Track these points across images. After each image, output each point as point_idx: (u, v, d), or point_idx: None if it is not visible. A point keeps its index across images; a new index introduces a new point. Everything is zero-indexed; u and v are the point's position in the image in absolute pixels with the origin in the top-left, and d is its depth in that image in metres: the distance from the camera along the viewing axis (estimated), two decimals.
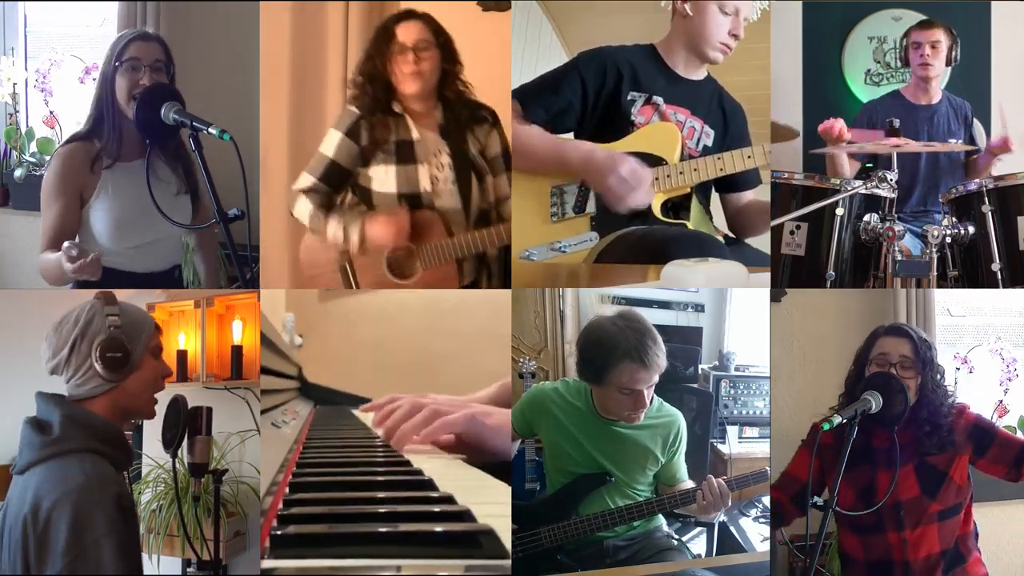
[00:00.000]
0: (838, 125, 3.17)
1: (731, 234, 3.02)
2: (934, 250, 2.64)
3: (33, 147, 3.50)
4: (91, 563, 1.54)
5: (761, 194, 2.99)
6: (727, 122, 2.95)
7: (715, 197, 3.05)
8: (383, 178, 2.56)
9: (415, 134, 2.57)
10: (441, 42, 2.55)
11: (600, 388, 2.41)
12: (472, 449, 1.95)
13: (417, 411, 2.00)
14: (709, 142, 2.92)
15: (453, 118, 2.57)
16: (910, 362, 2.27)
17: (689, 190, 2.86)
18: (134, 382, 1.78)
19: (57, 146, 3.23)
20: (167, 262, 2.65)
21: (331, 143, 2.61)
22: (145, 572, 3.19)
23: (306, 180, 2.65)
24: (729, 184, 2.96)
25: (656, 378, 2.36)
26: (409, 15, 2.57)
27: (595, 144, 2.78)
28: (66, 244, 2.22)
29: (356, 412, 3.19)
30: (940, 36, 3.30)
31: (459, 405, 2.04)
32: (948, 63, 3.34)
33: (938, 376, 2.33)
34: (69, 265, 2.21)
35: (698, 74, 2.93)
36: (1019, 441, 2.33)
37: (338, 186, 2.63)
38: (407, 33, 2.52)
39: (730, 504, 2.40)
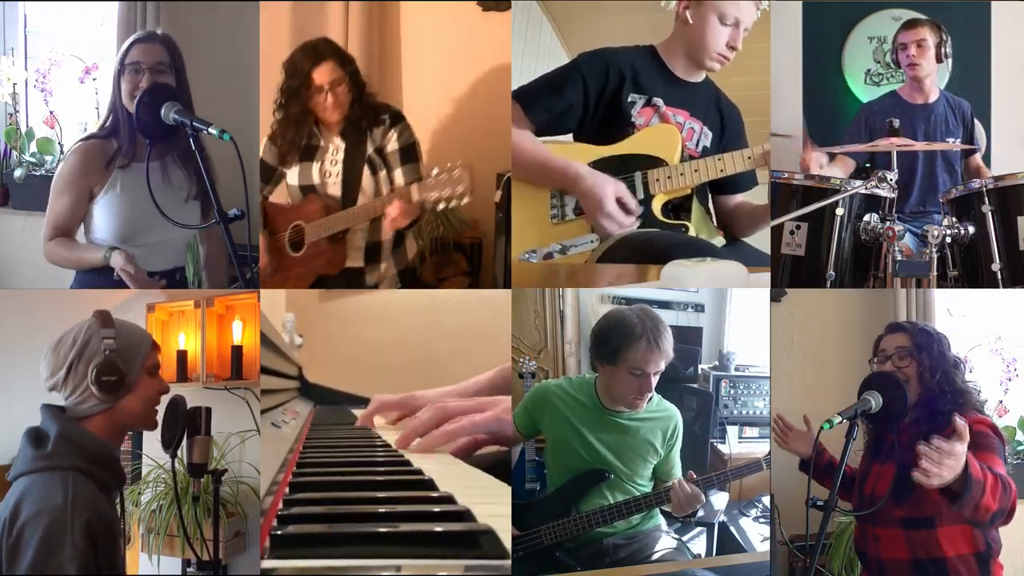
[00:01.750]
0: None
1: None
2: (934, 250, 2.64)
3: (33, 147, 3.50)
4: None
5: (752, 196, 3.01)
6: (724, 124, 2.96)
7: None
8: (292, 173, 2.99)
9: (321, 141, 2.95)
10: (349, 71, 2.86)
11: (612, 369, 2.45)
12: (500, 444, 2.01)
13: (442, 418, 2.04)
14: (708, 143, 2.92)
15: (354, 124, 2.90)
16: (905, 351, 2.24)
17: (690, 191, 2.86)
18: (130, 402, 1.80)
19: (66, 142, 3.29)
20: (171, 263, 2.66)
21: (262, 145, 3.05)
22: (145, 572, 3.20)
23: None
24: (720, 186, 2.97)
25: (663, 365, 2.44)
26: (319, 57, 2.83)
27: (584, 169, 2.78)
28: (119, 260, 2.50)
29: (356, 412, 3.19)
30: (925, 34, 3.28)
31: (485, 404, 2.07)
32: (939, 60, 3.32)
33: (945, 357, 2.22)
34: (128, 279, 2.50)
35: (697, 76, 2.93)
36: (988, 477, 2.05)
37: (264, 179, 3.04)
38: (322, 76, 2.83)
39: (702, 502, 2.46)
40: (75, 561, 1.59)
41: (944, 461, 1.81)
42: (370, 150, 2.90)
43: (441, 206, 2.62)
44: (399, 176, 2.89)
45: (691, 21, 2.83)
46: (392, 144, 2.90)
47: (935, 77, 3.37)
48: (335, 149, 2.94)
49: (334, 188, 2.92)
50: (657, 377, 2.45)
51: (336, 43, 2.95)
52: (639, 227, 2.80)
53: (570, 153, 2.85)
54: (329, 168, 2.94)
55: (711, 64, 2.86)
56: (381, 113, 2.93)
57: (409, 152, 2.92)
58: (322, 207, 2.90)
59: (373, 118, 2.91)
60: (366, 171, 2.90)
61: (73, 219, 2.57)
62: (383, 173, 2.91)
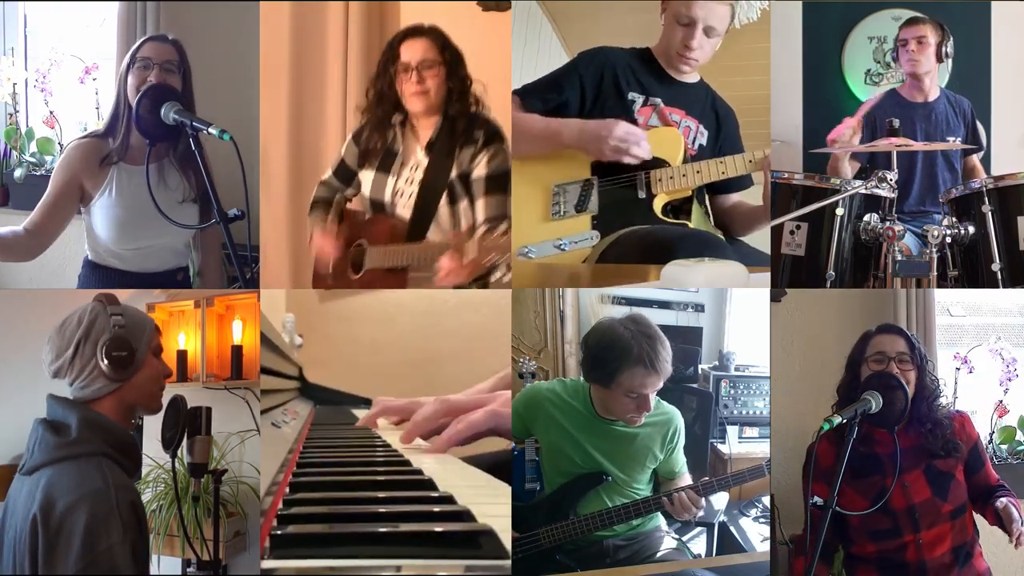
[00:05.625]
0: (846, 128, 3.18)
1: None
2: (934, 250, 2.64)
3: (33, 147, 3.50)
4: (104, 568, 1.55)
5: (748, 196, 3.01)
6: (720, 124, 2.98)
7: None
8: (366, 182, 2.64)
9: (400, 147, 2.59)
10: (447, 58, 2.50)
11: (607, 390, 2.42)
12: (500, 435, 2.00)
13: (445, 412, 2.04)
14: (704, 141, 2.95)
15: (444, 136, 2.51)
16: (907, 356, 2.31)
17: (690, 192, 2.87)
18: (139, 381, 1.79)
19: (66, 142, 3.20)
20: (170, 264, 2.66)
21: (345, 143, 2.75)
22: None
23: (326, 172, 2.80)
24: (716, 186, 2.98)
25: (661, 384, 2.40)
26: (414, 32, 2.53)
27: (579, 120, 2.81)
28: None
29: (356, 412, 3.19)
30: (926, 32, 3.29)
31: (475, 402, 2.06)
32: (940, 59, 3.33)
33: (930, 368, 2.40)
34: None
35: (691, 77, 2.95)
36: (989, 482, 2.37)
37: (345, 180, 2.74)
38: (411, 52, 2.49)
39: (700, 511, 2.44)
40: (126, 543, 1.56)
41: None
42: (454, 174, 2.48)
43: (483, 272, 2.25)
44: (480, 209, 2.45)
45: (662, 24, 2.89)
46: (480, 169, 2.46)
47: (935, 75, 3.37)
48: (416, 165, 2.54)
49: (403, 211, 2.53)
50: (655, 393, 2.42)
51: (443, 31, 2.56)
52: (639, 225, 2.81)
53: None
54: (403, 187, 2.54)
55: (679, 65, 2.90)
56: (476, 128, 2.48)
57: (498, 182, 2.47)
58: (388, 230, 2.54)
59: (466, 133, 2.48)
60: (444, 198, 2.49)
61: (55, 213, 2.51)
62: (464, 204, 2.49)
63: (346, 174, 2.72)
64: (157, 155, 2.53)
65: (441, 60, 2.49)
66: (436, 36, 2.52)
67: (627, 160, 2.77)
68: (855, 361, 2.39)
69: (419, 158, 2.54)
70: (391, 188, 2.57)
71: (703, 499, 2.43)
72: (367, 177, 2.63)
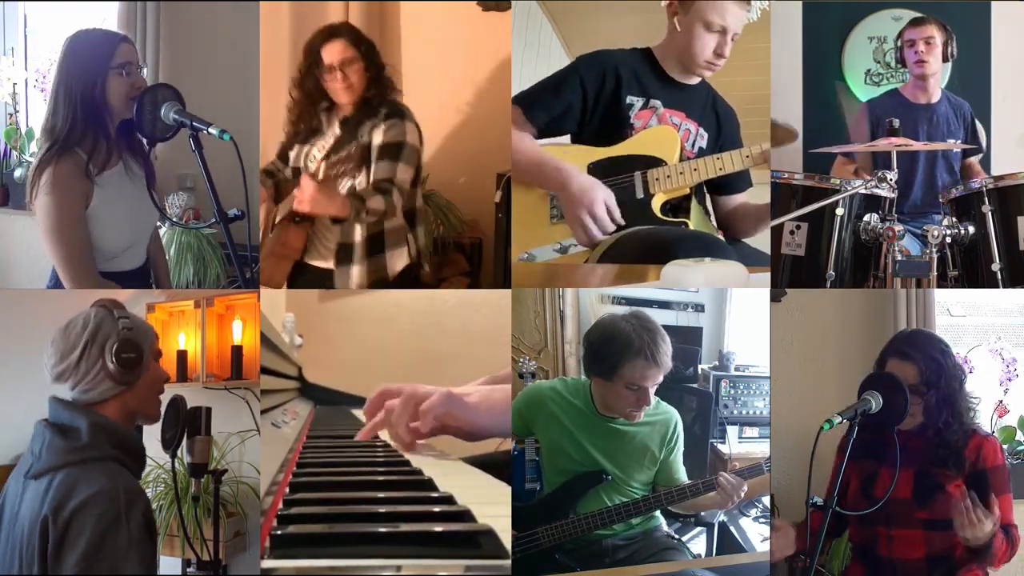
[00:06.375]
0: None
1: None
2: (934, 250, 2.64)
3: (33, 147, 3.50)
4: (104, 571, 1.55)
5: (751, 196, 3.01)
6: (720, 125, 2.97)
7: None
8: (292, 155, 2.93)
9: (324, 127, 2.88)
10: (364, 52, 2.79)
11: (608, 383, 2.43)
12: (458, 430, 1.96)
13: (408, 411, 2.01)
14: (704, 144, 2.94)
15: (358, 113, 2.81)
16: (916, 388, 2.24)
17: (688, 190, 2.87)
18: (143, 384, 1.79)
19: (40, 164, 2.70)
20: (140, 261, 2.61)
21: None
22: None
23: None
24: (719, 186, 2.98)
25: (661, 378, 2.41)
26: (331, 35, 2.79)
27: (576, 170, 2.78)
28: None
29: (356, 412, 3.19)
30: (933, 32, 3.29)
31: (433, 389, 2.02)
32: (945, 59, 3.33)
33: (954, 389, 2.27)
34: None
35: (692, 79, 2.94)
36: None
37: (285, 161, 2.98)
38: (331, 54, 2.76)
39: (745, 492, 2.42)
40: (134, 550, 1.56)
41: (982, 531, 2.10)
42: (360, 143, 2.79)
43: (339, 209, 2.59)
44: (372, 172, 2.75)
45: (679, 29, 2.84)
46: (376, 138, 2.76)
47: (939, 76, 3.37)
48: (332, 136, 2.85)
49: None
50: (655, 388, 2.43)
51: (353, 25, 2.89)
52: (638, 225, 2.81)
53: (570, 155, 2.86)
54: (316, 153, 2.85)
55: (700, 72, 2.88)
56: (383, 107, 2.79)
57: (390, 150, 2.75)
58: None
59: (374, 110, 2.79)
60: (348, 164, 2.80)
61: (83, 247, 2.34)
62: (367, 168, 2.77)
63: (285, 156, 2.97)
64: (120, 153, 2.46)
65: (359, 55, 2.77)
66: (350, 33, 2.81)
67: (579, 236, 2.78)
68: (884, 356, 2.36)
69: (334, 131, 2.85)
70: (305, 154, 2.88)
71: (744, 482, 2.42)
72: (294, 151, 2.91)
